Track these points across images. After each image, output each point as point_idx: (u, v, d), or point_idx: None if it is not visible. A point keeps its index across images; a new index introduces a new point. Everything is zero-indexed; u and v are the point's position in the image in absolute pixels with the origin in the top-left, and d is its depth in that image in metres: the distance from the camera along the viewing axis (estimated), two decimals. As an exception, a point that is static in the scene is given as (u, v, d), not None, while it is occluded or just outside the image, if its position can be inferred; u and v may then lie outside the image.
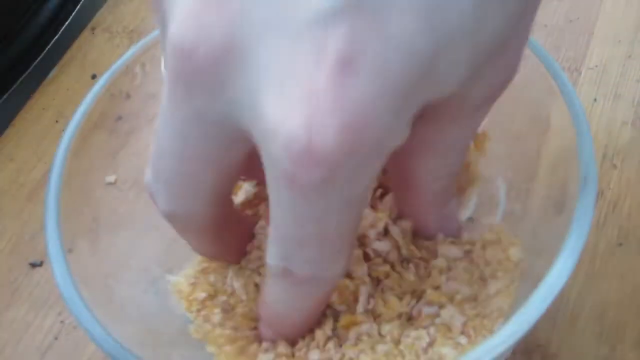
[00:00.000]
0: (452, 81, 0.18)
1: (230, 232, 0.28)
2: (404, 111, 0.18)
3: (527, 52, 0.30)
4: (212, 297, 0.31)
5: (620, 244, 0.36)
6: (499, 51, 0.19)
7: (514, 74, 0.22)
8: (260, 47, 0.17)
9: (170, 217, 0.24)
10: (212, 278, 0.32)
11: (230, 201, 0.26)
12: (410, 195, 0.26)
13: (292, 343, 0.28)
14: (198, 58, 0.18)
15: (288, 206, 0.19)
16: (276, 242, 0.21)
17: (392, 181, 0.28)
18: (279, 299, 0.24)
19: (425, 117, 0.20)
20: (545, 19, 0.46)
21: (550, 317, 0.34)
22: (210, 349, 0.30)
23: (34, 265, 0.39)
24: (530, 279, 0.27)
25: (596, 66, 0.43)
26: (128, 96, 0.31)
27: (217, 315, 0.30)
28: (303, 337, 0.28)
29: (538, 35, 0.45)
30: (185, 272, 0.32)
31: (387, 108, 0.17)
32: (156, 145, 0.22)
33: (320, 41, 0.16)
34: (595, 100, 0.42)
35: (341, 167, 0.17)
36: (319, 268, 0.22)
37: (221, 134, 0.20)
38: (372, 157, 0.18)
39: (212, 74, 0.18)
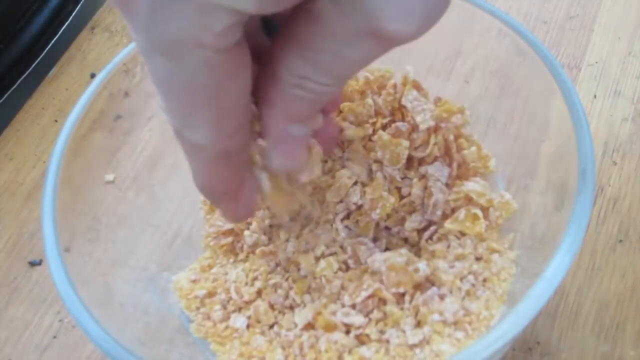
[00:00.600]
0: None
1: (240, 161, 0.26)
2: None
3: (526, 49, 0.30)
4: (211, 294, 0.31)
5: (621, 241, 0.36)
6: None
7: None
8: None
9: (179, 135, 0.24)
10: (212, 276, 0.32)
11: (244, 131, 0.24)
12: (267, 92, 0.24)
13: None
14: None
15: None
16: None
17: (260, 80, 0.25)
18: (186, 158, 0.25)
19: (306, 15, 0.21)
20: (545, 15, 0.46)
21: (550, 313, 0.34)
22: (214, 347, 0.30)
23: (33, 264, 0.39)
24: (529, 275, 0.27)
25: (596, 63, 0.43)
26: (127, 95, 0.31)
27: (217, 312, 0.30)
28: None
29: (538, 31, 0.45)
30: (186, 269, 0.33)
31: None
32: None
33: None
34: (595, 96, 0.42)
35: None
36: (179, 122, 0.23)
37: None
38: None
39: None
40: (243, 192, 0.26)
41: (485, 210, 0.31)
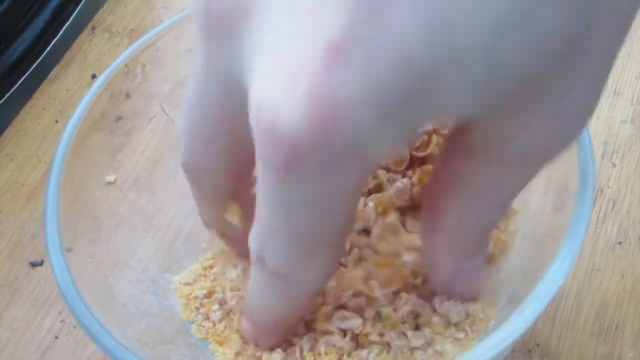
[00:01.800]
0: (455, 105, 0.17)
1: (239, 201, 0.26)
2: (390, 119, 0.16)
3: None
4: (210, 293, 0.31)
5: (620, 242, 0.36)
6: (538, 91, 0.18)
7: (575, 131, 0.20)
8: (268, 12, 0.17)
9: (185, 168, 0.24)
10: (212, 275, 0.32)
11: (245, 174, 0.24)
12: (431, 233, 0.24)
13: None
14: (213, 9, 0.18)
15: (262, 185, 0.19)
16: (255, 225, 0.21)
17: (423, 218, 0.25)
18: (255, 290, 0.24)
19: (461, 151, 0.20)
20: (545, 17, 0.46)
21: (549, 315, 0.35)
22: (212, 347, 0.30)
23: (34, 264, 0.39)
24: (529, 278, 0.27)
25: (595, 64, 0.43)
26: (128, 96, 0.32)
27: (216, 312, 0.31)
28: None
29: (537, 33, 0.45)
30: (187, 270, 0.33)
31: (366, 107, 0.16)
32: (185, 96, 0.22)
33: (320, 22, 0.16)
34: (594, 98, 0.42)
35: (307, 155, 0.17)
36: (289, 267, 0.21)
37: (231, 92, 0.19)
38: (345, 157, 0.17)
39: (224, 25, 0.18)
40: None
41: None
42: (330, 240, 0.20)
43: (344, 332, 0.29)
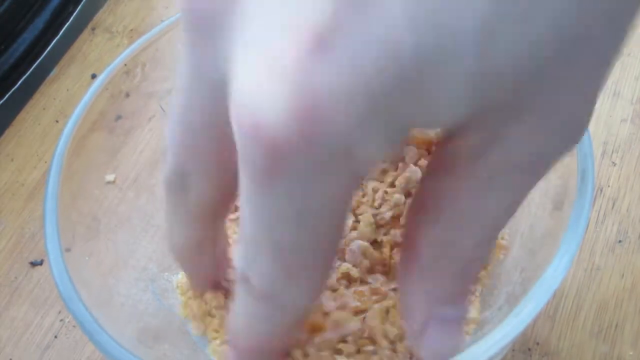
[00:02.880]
0: (444, 106, 0.16)
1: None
2: (378, 114, 0.15)
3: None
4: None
5: (620, 241, 0.36)
6: (530, 94, 0.16)
7: (573, 138, 0.18)
8: (252, 5, 0.16)
9: (168, 181, 0.22)
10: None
11: (235, 190, 0.21)
12: (406, 271, 0.21)
13: None
14: (196, 8, 0.17)
15: (244, 195, 0.17)
16: (240, 240, 0.19)
17: (400, 251, 0.22)
18: (239, 312, 0.21)
19: (444, 166, 0.18)
20: (545, 16, 0.46)
21: (549, 314, 0.35)
22: (211, 347, 0.30)
23: (34, 264, 0.39)
24: (528, 277, 0.27)
25: (595, 64, 0.43)
26: (127, 95, 0.32)
27: (215, 310, 0.31)
28: None
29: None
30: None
31: (352, 103, 0.15)
32: (172, 104, 0.21)
33: (304, 12, 0.15)
34: (594, 97, 0.42)
35: (291, 153, 0.15)
36: (274, 286, 0.19)
37: (218, 96, 0.18)
38: (332, 156, 0.16)
39: (208, 24, 0.17)
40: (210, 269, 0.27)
41: None
42: (317, 257, 0.19)
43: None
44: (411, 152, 0.31)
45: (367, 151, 0.16)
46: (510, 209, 0.19)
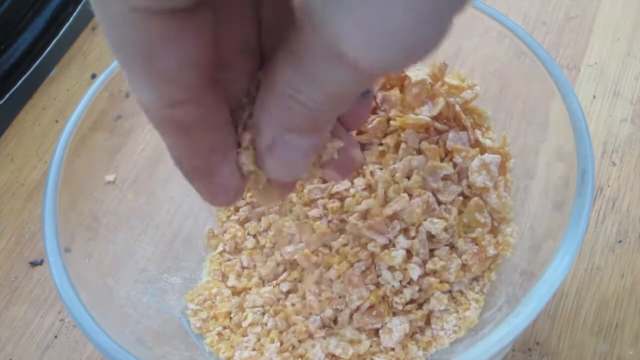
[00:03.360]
0: None
1: (204, 137, 0.23)
2: None
3: (525, 50, 0.30)
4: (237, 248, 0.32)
5: (620, 241, 0.36)
6: None
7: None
8: None
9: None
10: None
11: (201, 106, 0.22)
12: (263, 95, 0.22)
13: None
14: None
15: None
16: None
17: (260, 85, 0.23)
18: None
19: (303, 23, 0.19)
20: (545, 16, 0.46)
21: (549, 314, 0.35)
22: (208, 341, 0.30)
23: (34, 264, 0.39)
24: (529, 276, 0.27)
25: (595, 64, 0.43)
26: (127, 95, 0.32)
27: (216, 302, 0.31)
28: None
29: (537, 33, 0.45)
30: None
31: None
32: None
33: None
34: (594, 97, 0.42)
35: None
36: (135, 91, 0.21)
37: None
38: None
39: None
40: (220, 172, 0.24)
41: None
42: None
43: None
44: (410, 137, 0.31)
45: None
46: (340, 92, 0.20)
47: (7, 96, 0.46)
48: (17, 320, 0.37)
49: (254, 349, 0.30)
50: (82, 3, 0.50)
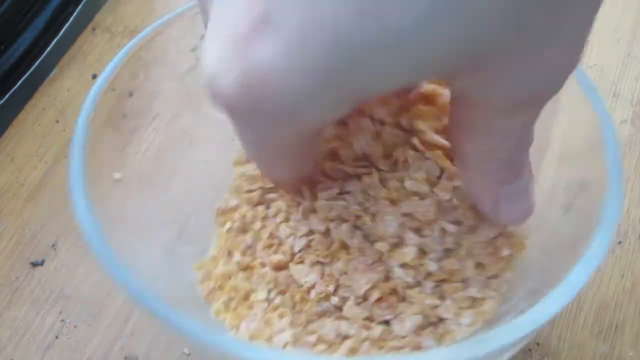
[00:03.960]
0: (395, 78, 0.18)
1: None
2: (323, 90, 0.17)
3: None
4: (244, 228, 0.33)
5: (620, 242, 0.37)
6: (503, 48, 0.18)
7: (561, 77, 0.20)
8: None
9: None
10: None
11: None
12: (465, 171, 0.26)
13: None
14: None
15: None
16: None
17: (455, 157, 0.27)
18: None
19: (459, 101, 0.21)
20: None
21: (550, 314, 0.35)
22: (215, 309, 0.31)
23: (35, 264, 0.39)
24: (550, 272, 0.27)
25: (595, 65, 0.43)
26: (131, 94, 0.32)
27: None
28: None
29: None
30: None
31: (297, 75, 0.16)
32: None
33: None
34: (594, 99, 0.42)
35: (244, 117, 0.18)
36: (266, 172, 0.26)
37: None
38: (282, 121, 0.18)
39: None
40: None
41: None
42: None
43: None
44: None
45: (313, 114, 0.18)
46: (531, 121, 0.22)
47: (7, 96, 0.45)
48: (18, 321, 0.37)
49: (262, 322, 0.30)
50: (82, 3, 0.50)
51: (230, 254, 0.33)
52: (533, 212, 0.26)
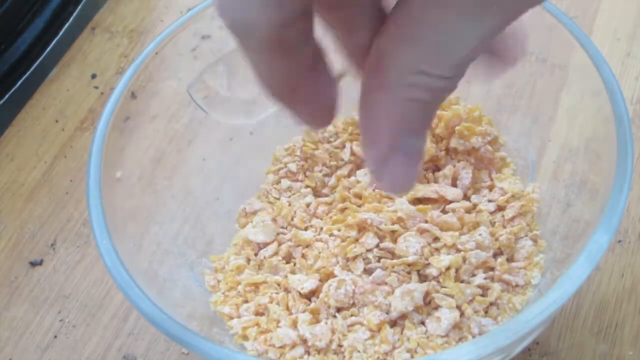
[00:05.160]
0: None
1: (301, 57, 0.21)
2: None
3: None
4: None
5: (619, 241, 0.37)
6: None
7: None
8: None
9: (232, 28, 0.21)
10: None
11: (303, 24, 0.20)
12: (371, 95, 0.20)
13: None
14: None
15: None
16: None
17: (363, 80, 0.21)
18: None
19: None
20: (544, 17, 0.46)
21: (549, 314, 0.35)
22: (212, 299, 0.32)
23: (34, 264, 0.39)
24: (570, 242, 0.28)
25: (595, 64, 0.43)
26: (134, 96, 0.32)
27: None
28: None
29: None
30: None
31: None
32: None
33: None
34: (593, 98, 0.42)
35: (231, 32, 0.19)
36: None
37: None
38: (245, 33, 0.18)
39: None
40: (319, 94, 0.21)
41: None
42: None
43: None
44: None
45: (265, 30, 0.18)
46: (479, 46, 0.18)
47: (7, 96, 0.46)
48: (17, 320, 0.37)
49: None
50: (82, 3, 0.50)
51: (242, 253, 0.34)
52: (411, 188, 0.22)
